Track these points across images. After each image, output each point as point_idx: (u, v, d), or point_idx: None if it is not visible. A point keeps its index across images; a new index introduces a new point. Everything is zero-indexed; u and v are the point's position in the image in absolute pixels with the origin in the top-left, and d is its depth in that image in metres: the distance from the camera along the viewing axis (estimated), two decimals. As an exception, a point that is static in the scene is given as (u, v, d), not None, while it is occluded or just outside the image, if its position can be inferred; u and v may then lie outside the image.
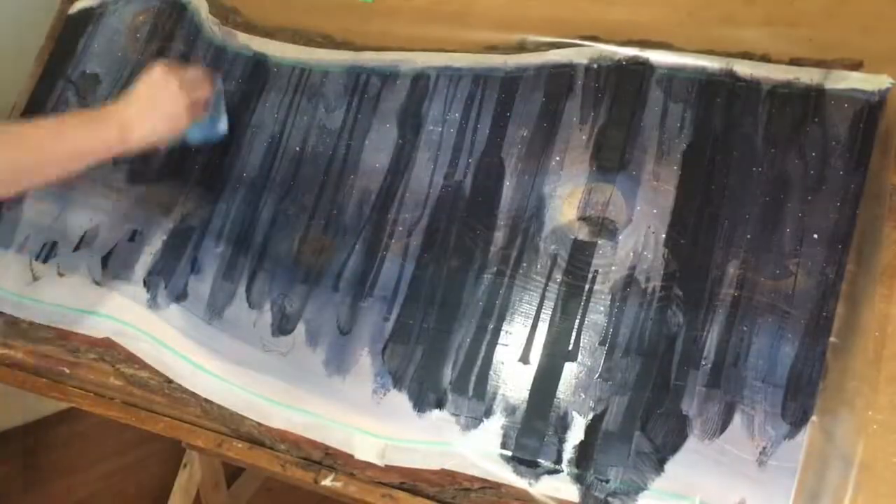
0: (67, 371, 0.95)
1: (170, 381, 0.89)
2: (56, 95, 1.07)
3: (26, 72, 1.12)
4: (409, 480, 0.78)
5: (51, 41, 1.12)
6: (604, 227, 0.78)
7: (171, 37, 1.05)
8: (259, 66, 0.99)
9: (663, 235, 0.75)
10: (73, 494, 1.56)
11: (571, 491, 0.72)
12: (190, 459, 1.25)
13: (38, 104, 1.08)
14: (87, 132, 0.77)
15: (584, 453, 0.72)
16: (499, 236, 0.81)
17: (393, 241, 0.85)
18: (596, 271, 0.76)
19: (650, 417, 0.71)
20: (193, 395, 0.88)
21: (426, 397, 0.78)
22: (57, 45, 1.11)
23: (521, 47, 0.87)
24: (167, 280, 0.93)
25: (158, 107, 0.81)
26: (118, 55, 1.07)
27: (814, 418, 0.66)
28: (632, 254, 0.76)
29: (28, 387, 0.96)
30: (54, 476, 1.59)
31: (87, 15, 1.11)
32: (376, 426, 0.79)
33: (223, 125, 0.95)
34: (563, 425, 0.73)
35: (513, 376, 0.76)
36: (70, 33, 1.11)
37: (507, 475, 0.74)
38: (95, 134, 0.78)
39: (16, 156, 0.72)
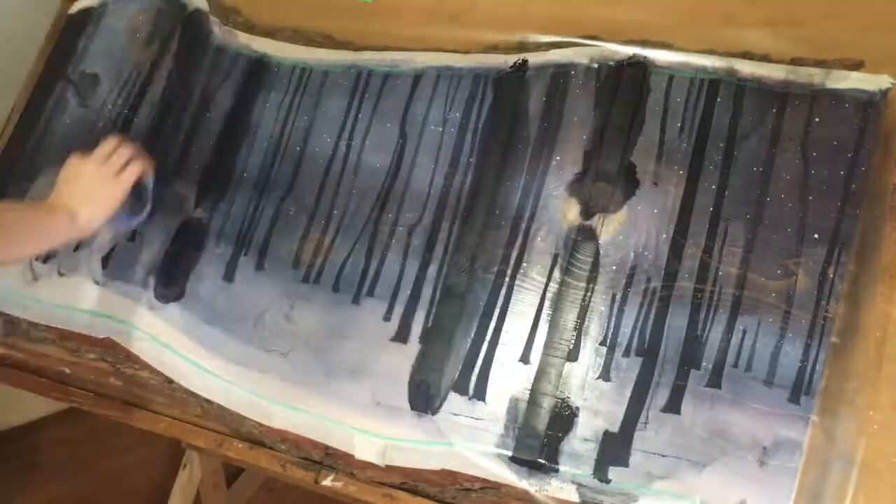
0: (67, 371, 0.95)
1: (170, 381, 0.89)
2: (56, 95, 1.07)
3: (26, 72, 1.12)
4: (410, 480, 0.78)
5: (51, 41, 1.12)
6: (604, 227, 0.78)
7: (171, 37, 1.05)
8: (259, 66, 0.99)
9: (664, 235, 0.75)
10: (73, 494, 1.56)
11: (571, 491, 0.72)
12: (190, 459, 1.25)
13: (37, 104, 1.08)
14: (48, 219, 0.81)
15: (585, 453, 0.72)
16: (499, 236, 0.81)
17: (393, 240, 0.85)
18: (596, 271, 0.76)
19: (651, 417, 0.71)
20: (193, 394, 0.88)
21: (427, 397, 0.78)
22: (57, 45, 1.11)
23: (522, 47, 0.87)
24: (167, 280, 0.93)
25: (85, 192, 0.84)
26: (118, 55, 1.06)
27: (814, 418, 0.66)
28: (632, 253, 0.76)
29: (28, 387, 0.96)
30: (54, 476, 1.59)
31: (87, 15, 1.11)
32: (377, 426, 0.79)
33: (143, 213, 0.94)
34: (564, 425, 0.73)
35: (513, 376, 0.76)
36: (70, 33, 1.11)
37: (507, 475, 0.74)
38: (52, 222, 0.82)
39: None
